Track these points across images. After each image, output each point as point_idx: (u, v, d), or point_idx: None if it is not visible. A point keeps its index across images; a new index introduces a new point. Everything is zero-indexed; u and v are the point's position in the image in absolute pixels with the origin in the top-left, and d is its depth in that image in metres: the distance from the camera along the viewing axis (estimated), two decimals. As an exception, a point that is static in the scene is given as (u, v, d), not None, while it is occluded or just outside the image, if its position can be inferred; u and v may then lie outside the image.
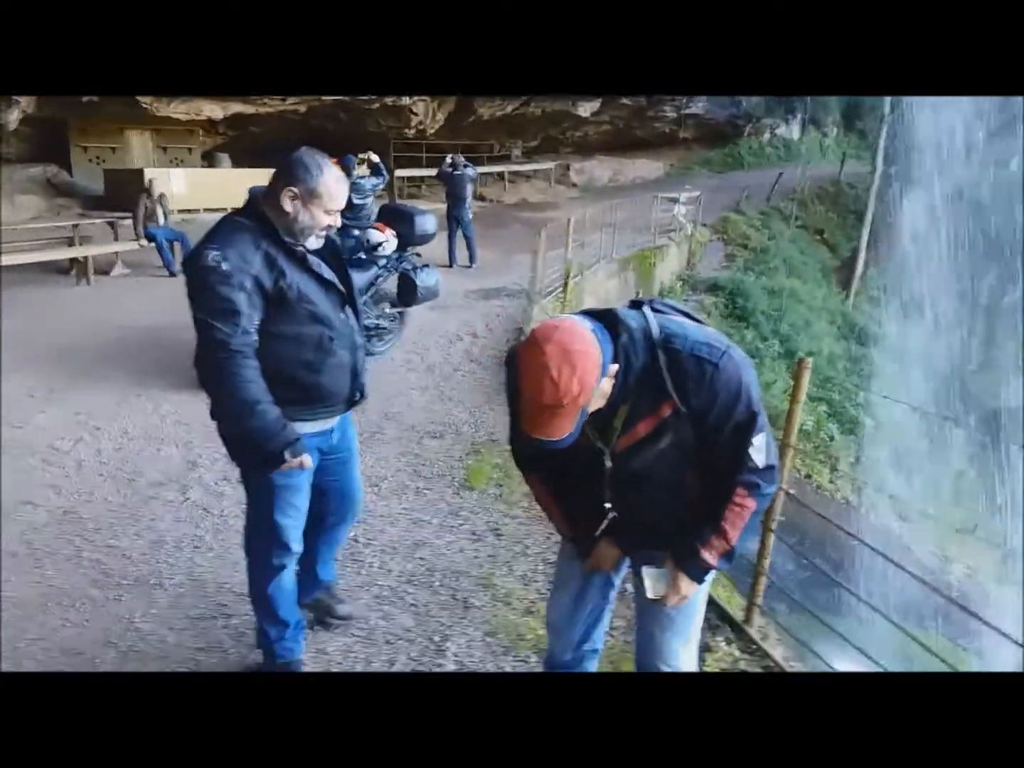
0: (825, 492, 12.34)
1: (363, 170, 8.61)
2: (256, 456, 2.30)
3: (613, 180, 24.42)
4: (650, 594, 1.78)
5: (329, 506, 2.68)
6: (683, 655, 1.94)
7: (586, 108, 20.34)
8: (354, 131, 17.36)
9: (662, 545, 1.82)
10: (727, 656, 2.86)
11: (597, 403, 1.58)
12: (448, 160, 11.60)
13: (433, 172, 15.34)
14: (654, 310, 1.68)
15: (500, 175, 21.55)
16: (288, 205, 2.20)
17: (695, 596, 1.88)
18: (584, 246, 11.36)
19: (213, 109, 13.15)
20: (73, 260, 10.00)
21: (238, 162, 17.59)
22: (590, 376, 1.48)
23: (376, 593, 3.24)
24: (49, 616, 3.02)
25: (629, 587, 2.41)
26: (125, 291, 9.54)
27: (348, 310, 2.43)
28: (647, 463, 1.68)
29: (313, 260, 2.31)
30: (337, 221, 2.31)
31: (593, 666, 2.20)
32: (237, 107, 13.26)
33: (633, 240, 14.21)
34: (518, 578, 3.41)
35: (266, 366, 2.22)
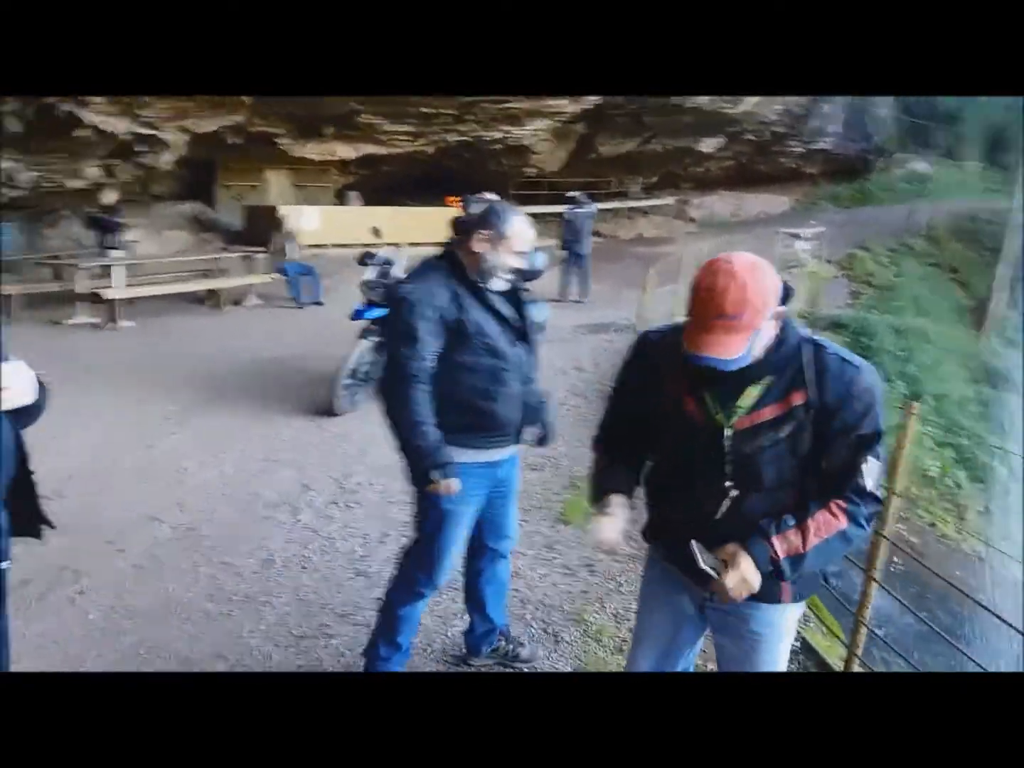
0: (950, 542, 11.55)
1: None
2: (412, 473, 2.51)
3: (735, 215, 24.00)
4: (702, 564, 1.67)
5: (486, 539, 2.82)
6: None
7: (708, 144, 20.15)
8: (477, 170, 17.90)
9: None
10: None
11: (759, 347, 1.58)
12: (571, 196, 11.88)
13: (552, 209, 15.63)
14: None
15: (617, 211, 21.62)
16: (479, 247, 2.44)
17: (776, 646, 1.82)
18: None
19: (346, 150, 13.88)
20: (211, 291, 10.74)
21: (368, 200, 18.45)
22: (771, 297, 1.53)
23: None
24: (167, 627, 3.23)
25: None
26: (256, 321, 10.17)
27: (523, 345, 2.61)
28: (760, 450, 1.65)
29: (494, 298, 2.52)
30: (523, 263, 2.54)
31: None
32: (368, 148, 13.95)
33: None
34: (610, 615, 3.39)
35: (444, 392, 2.46)
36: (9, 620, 1.81)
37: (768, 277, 1.54)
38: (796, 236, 16.50)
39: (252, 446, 5.44)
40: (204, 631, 3.21)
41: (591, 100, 13.46)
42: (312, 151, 13.65)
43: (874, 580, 2.81)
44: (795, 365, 1.63)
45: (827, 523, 1.62)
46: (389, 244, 6.78)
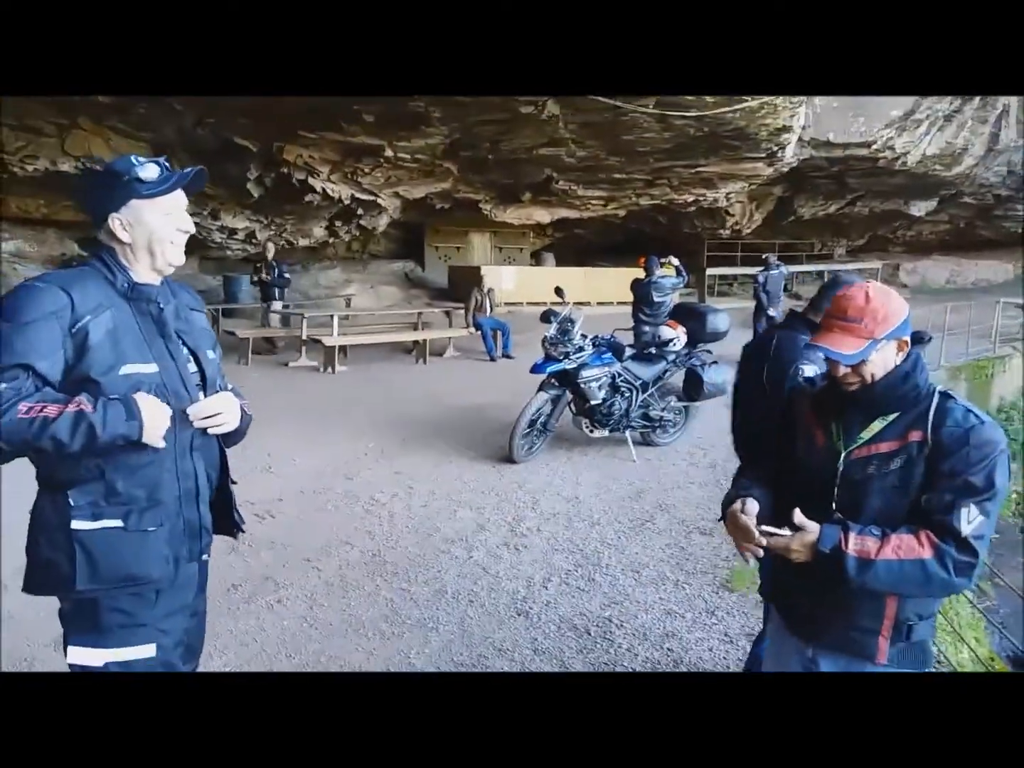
0: None
1: (666, 271, 9.07)
2: None
3: (951, 282, 22.36)
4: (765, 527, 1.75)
5: None
6: None
7: (920, 207, 19.04)
8: (671, 232, 18.10)
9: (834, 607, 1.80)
10: None
11: (878, 365, 1.71)
12: (764, 258, 11.87)
13: (746, 271, 15.44)
14: None
15: (820, 274, 20.86)
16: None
17: None
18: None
19: (542, 214, 14.60)
20: (415, 342, 11.63)
21: (561, 261, 19.18)
22: (895, 317, 1.70)
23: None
24: (346, 640, 3.60)
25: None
26: (453, 372, 10.87)
27: None
28: (870, 479, 1.73)
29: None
30: None
31: None
32: (563, 212, 14.59)
33: (969, 348, 12.97)
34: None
35: None
36: (206, 604, 2.16)
37: (894, 300, 1.73)
38: (1021, 307, 15.13)
39: (438, 485, 5.86)
40: (377, 648, 3.54)
41: (789, 162, 13.25)
42: (511, 215, 14.49)
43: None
44: (922, 408, 1.72)
45: (910, 546, 1.63)
46: (576, 303, 7.11)
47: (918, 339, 1.76)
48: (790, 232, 20.54)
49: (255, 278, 11.78)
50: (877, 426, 1.75)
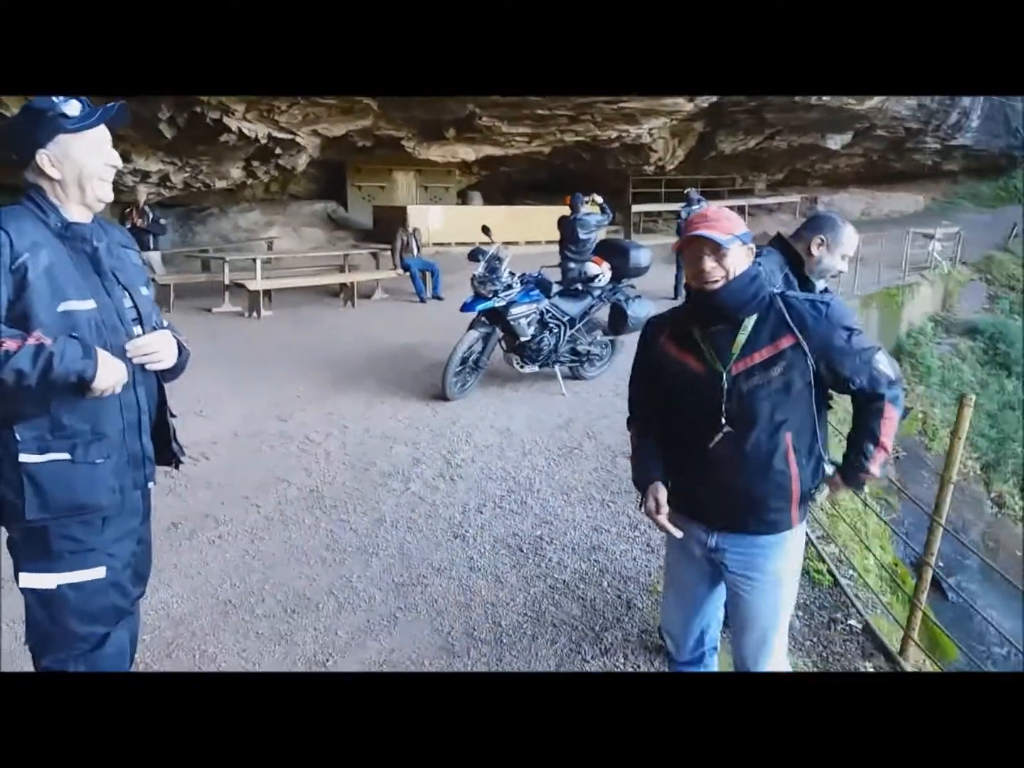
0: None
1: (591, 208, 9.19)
2: None
3: (865, 214, 23.12)
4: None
5: None
6: (774, 643, 2.16)
7: (836, 141, 19.53)
8: (596, 169, 18.15)
9: (746, 509, 2.05)
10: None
11: (737, 260, 1.97)
12: (685, 193, 12.10)
13: (670, 207, 15.69)
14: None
15: (741, 208, 21.32)
16: (815, 250, 2.79)
17: (780, 591, 2.10)
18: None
19: (467, 152, 14.46)
20: (342, 285, 11.53)
21: (488, 199, 19.07)
22: (742, 226, 2.00)
23: (551, 584, 3.63)
24: (289, 569, 3.74)
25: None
26: (382, 314, 10.86)
27: None
28: (757, 390, 1.96)
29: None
30: (846, 267, 2.89)
31: (713, 664, 2.42)
32: (487, 149, 14.48)
33: (880, 277, 13.57)
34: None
35: None
36: (151, 534, 2.24)
37: (735, 215, 2.06)
38: (929, 236, 15.83)
39: (372, 424, 5.96)
40: (319, 574, 3.70)
41: (708, 97, 13.41)
42: (435, 153, 14.31)
43: (929, 565, 2.94)
44: (776, 313, 1.97)
45: (891, 423, 1.98)
46: (504, 242, 7.18)
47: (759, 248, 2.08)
48: (712, 168, 20.81)
49: (128, 224, 10.44)
50: (742, 339, 1.97)
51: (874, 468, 2.02)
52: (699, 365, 2.03)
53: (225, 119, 10.71)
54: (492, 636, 3.21)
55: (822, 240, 2.73)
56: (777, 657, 2.17)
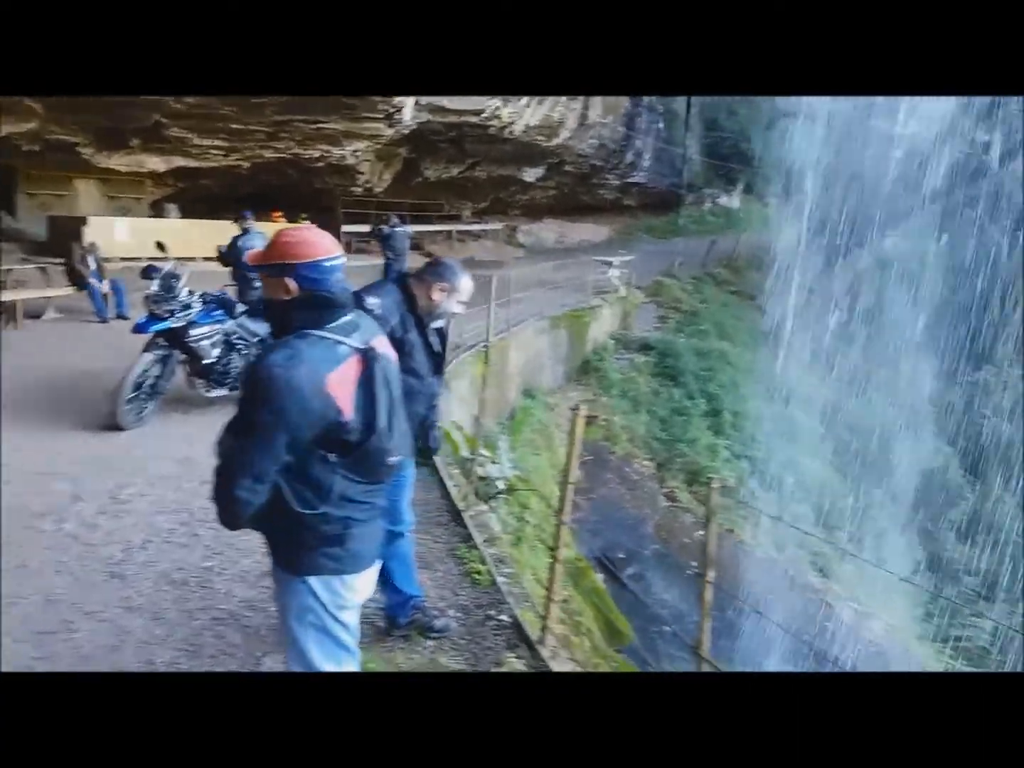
0: (747, 547, 12.81)
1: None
2: None
3: (559, 242, 25.22)
4: None
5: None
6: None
7: (531, 174, 21.15)
8: (303, 187, 17.89)
9: None
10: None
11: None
12: (386, 218, 12.73)
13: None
14: None
15: (449, 234, 22.23)
16: (436, 295, 2.98)
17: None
18: (511, 304, 11.83)
19: (156, 162, 13.54)
20: (2, 304, 10.20)
21: (189, 213, 17.94)
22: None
23: (215, 616, 3.52)
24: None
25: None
26: (54, 336, 9.79)
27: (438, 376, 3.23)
28: None
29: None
30: (461, 310, 3.12)
31: None
32: (180, 161, 13.67)
33: (569, 300, 14.89)
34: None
35: None
36: None
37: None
38: (608, 263, 17.70)
39: (28, 460, 5.34)
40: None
41: (408, 124, 13.88)
42: (119, 162, 13.22)
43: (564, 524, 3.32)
44: None
45: None
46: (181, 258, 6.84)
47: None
48: (420, 193, 21.49)
49: None
50: None
51: None
52: None
53: None
54: (142, 677, 3.04)
55: (444, 287, 3.02)
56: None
